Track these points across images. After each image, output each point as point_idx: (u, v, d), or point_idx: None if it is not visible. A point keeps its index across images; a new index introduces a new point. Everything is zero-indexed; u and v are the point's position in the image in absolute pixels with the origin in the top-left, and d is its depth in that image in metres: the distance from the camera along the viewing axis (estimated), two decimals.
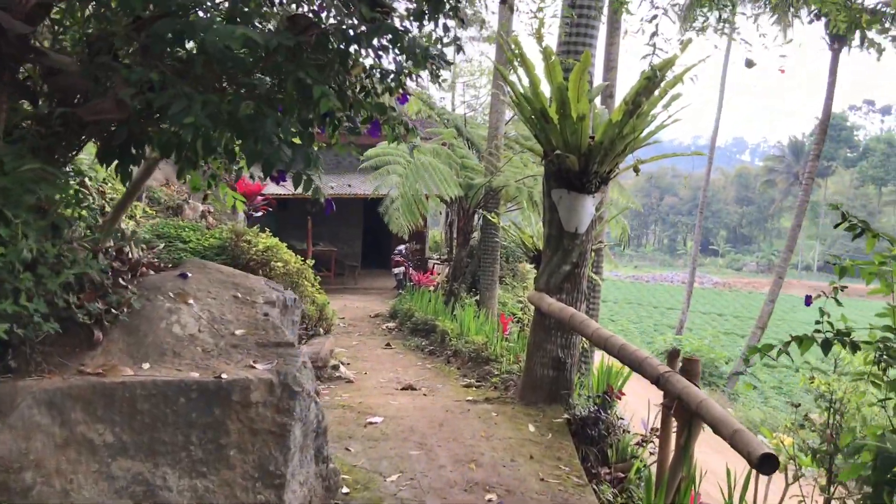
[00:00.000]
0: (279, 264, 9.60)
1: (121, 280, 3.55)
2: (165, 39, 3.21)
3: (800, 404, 8.67)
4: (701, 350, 31.10)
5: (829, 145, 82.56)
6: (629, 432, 6.55)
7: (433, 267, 22.93)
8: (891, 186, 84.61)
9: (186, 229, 12.28)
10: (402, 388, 8.35)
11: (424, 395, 8.02)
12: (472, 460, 5.54)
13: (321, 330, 9.15)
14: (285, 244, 11.03)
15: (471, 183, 14.27)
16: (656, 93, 6.60)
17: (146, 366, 3.14)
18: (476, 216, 14.79)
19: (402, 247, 19.26)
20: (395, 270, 18.96)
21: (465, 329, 11.04)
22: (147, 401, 2.90)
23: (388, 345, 12.03)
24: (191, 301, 3.64)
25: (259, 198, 12.00)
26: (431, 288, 16.43)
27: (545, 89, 6.63)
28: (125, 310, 3.37)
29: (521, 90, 6.82)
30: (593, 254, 7.66)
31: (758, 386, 36.78)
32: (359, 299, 19.39)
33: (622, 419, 6.56)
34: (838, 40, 26.13)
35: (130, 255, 3.96)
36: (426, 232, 25.91)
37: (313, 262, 21.28)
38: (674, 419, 4.48)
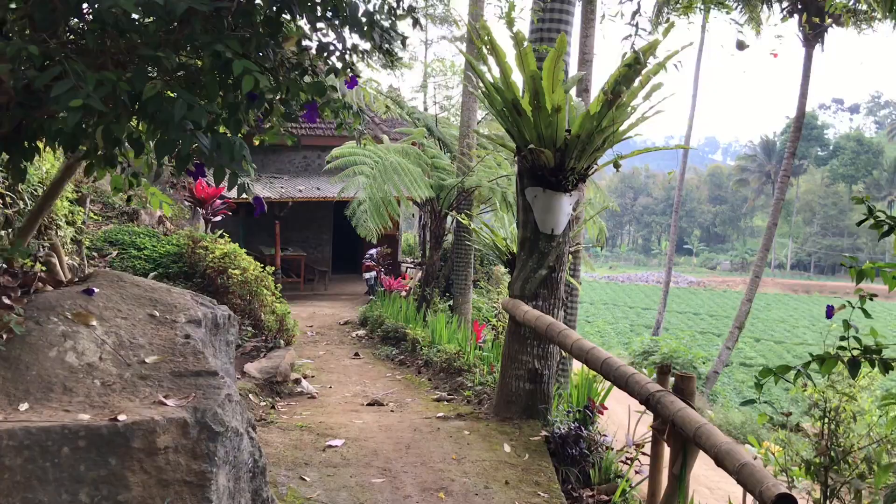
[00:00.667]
0: (236, 272, 8.98)
1: (3, 299, 2.93)
2: (50, 6, 2.63)
3: (791, 413, 8.21)
4: (678, 350, 30.78)
5: (801, 144, 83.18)
6: (613, 449, 6.03)
7: (406, 271, 22.34)
8: (860, 184, 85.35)
9: (142, 235, 11.62)
10: (368, 404, 7.76)
11: (392, 411, 7.44)
12: (442, 488, 4.98)
13: (281, 342, 8.53)
14: (244, 251, 10.41)
15: (442, 184, 13.73)
16: (637, 81, 6.09)
17: (24, 406, 2.54)
18: (449, 218, 14.24)
19: (373, 251, 18.64)
20: (366, 275, 18.35)
21: (437, 337, 10.47)
22: (17, 454, 2.31)
23: (356, 354, 11.42)
24: (94, 323, 3.03)
25: (218, 201, 11.36)
26: (403, 293, 15.85)
27: (517, 79, 6.10)
28: (2, 336, 2.76)
29: (492, 80, 6.28)
30: (571, 256, 7.13)
31: (736, 386, 36.64)
32: (329, 306, 18.76)
33: (605, 435, 6.03)
34: (812, 36, 25.92)
35: (26, 269, 3.33)
36: (399, 235, 25.33)
37: (277, 269, 20.73)
38: (666, 443, 3.96)
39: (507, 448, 5.79)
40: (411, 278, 18.67)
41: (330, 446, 5.67)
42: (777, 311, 61.55)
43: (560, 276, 6.66)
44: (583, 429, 5.90)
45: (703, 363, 33.86)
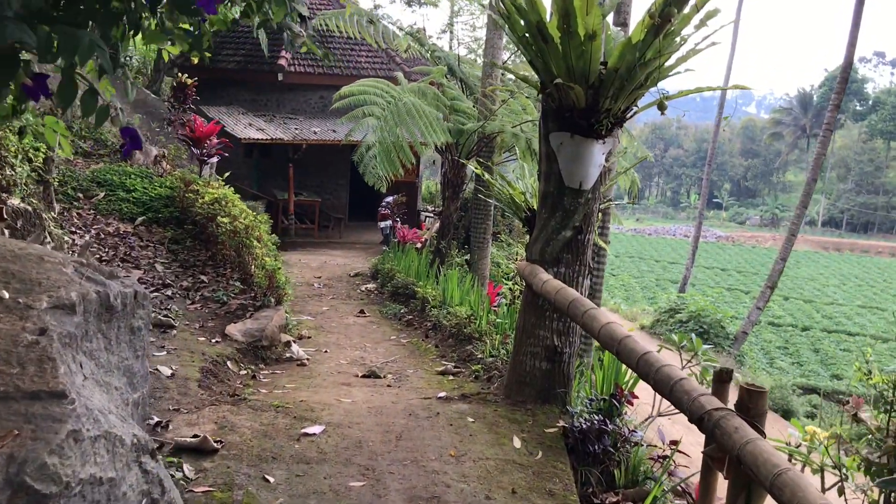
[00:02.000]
0: (225, 220, 8.06)
1: None
2: None
3: (847, 401, 7.17)
4: (706, 309, 29.67)
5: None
6: (643, 445, 5.08)
7: (424, 220, 21.35)
8: None
9: (133, 176, 10.72)
10: (363, 376, 6.86)
11: (388, 385, 6.54)
12: (434, 497, 4.08)
13: (272, 300, 7.63)
14: (236, 195, 9.48)
15: (461, 128, 12.63)
16: (689, 5, 4.96)
17: None
18: (470, 166, 13.17)
19: (389, 198, 17.65)
20: (381, 224, 17.40)
21: (448, 296, 9.53)
22: None
23: (361, 311, 10.53)
24: None
25: (214, 140, 10.38)
26: (419, 245, 14.90)
27: None
28: None
29: (513, 2, 5.18)
30: (600, 215, 6.09)
31: (763, 346, 35.56)
32: (342, 255, 17.88)
33: (634, 430, 5.07)
34: None
35: None
36: (419, 182, 24.30)
37: (290, 214, 19.83)
38: (718, 470, 2.99)
39: (516, 442, 4.86)
40: (428, 229, 17.70)
41: (306, 434, 4.78)
42: (807, 268, 59.93)
43: (587, 239, 5.64)
44: (608, 422, 4.95)
45: (731, 321, 32.77)
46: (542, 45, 5.07)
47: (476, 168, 5.95)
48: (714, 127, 41.87)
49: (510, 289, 9.46)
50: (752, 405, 2.80)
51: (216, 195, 8.67)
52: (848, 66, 25.51)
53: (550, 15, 5.08)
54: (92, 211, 9.68)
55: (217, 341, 6.77)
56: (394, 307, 10.63)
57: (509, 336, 7.02)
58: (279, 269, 7.48)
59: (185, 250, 9.15)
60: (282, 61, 20.73)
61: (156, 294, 7.61)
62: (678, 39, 5.12)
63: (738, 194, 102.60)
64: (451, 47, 31.39)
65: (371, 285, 12.95)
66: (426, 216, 22.31)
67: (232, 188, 9.91)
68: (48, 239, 6.45)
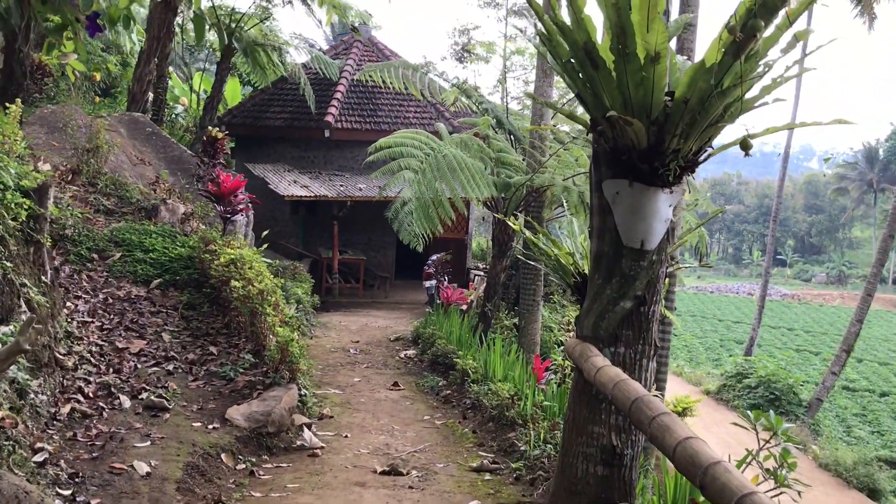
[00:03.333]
0: (238, 284, 7.17)
1: None
2: None
3: None
4: (777, 374, 27.72)
5: None
6: None
7: (473, 279, 20.33)
8: None
9: (154, 235, 9.98)
10: (383, 472, 5.79)
11: (410, 487, 5.45)
12: None
13: (285, 375, 6.66)
14: (257, 255, 8.63)
15: (508, 182, 11.68)
16: (778, 17, 3.93)
17: None
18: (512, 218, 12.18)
19: (435, 256, 16.71)
20: (427, 284, 16.42)
21: (490, 369, 8.44)
22: None
23: (395, 384, 9.49)
24: None
25: (240, 195, 9.62)
26: (464, 306, 13.86)
27: (594, 13, 4.02)
28: None
29: (554, 20, 4.22)
30: (666, 280, 4.97)
31: (838, 413, 33.19)
32: (385, 316, 16.95)
33: None
34: None
35: None
36: (468, 239, 23.36)
37: (334, 273, 19.04)
38: None
39: None
40: (475, 289, 16.67)
41: None
42: (880, 328, 56.74)
43: (652, 311, 4.54)
44: None
45: (803, 386, 30.63)
46: (592, 71, 4.08)
47: (515, 224, 4.98)
48: (778, 182, 40.14)
49: (560, 364, 8.33)
50: None
51: (233, 255, 7.83)
52: None
53: (601, 34, 4.11)
54: (105, 273, 8.94)
55: (214, 427, 5.81)
56: (432, 379, 9.57)
57: (559, 424, 5.89)
58: (293, 340, 6.52)
59: (199, 317, 8.29)
60: (328, 117, 20.26)
61: (155, 369, 6.72)
62: (762, 64, 4.09)
63: (802, 251, 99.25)
64: (505, 103, 30.75)
65: (411, 351, 11.92)
66: (475, 274, 21.30)
67: (254, 248, 9.08)
68: (24, 309, 5.63)
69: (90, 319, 7.50)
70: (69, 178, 11.18)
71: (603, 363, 4.09)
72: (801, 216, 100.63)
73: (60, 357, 6.25)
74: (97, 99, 19.80)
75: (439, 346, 10.57)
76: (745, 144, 3.98)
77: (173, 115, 23.18)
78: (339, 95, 21.25)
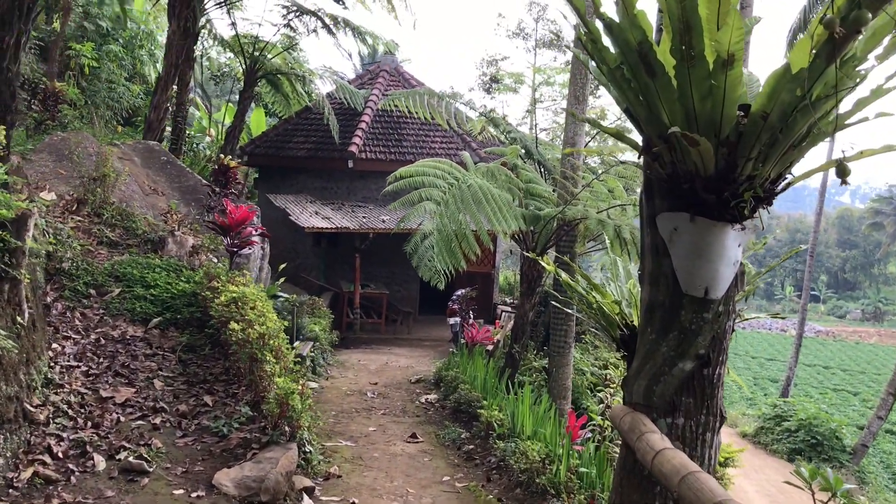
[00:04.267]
0: (236, 326, 6.43)
1: None
2: None
3: None
4: (818, 417, 26.34)
5: None
6: None
7: (500, 315, 19.48)
8: None
9: (157, 269, 9.32)
10: None
11: None
12: None
13: (285, 430, 5.87)
14: (262, 294, 7.92)
15: (537, 214, 10.89)
16: (885, 13, 3.14)
17: None
18: (545, 257, 11.36)
19: (460, 291, 15.90)
20: (451, 321, 15.59)
21: (518, 423, 7.59)
22: None
23: (413, 436, 8.65)
24: None
25: (249, 229, 8.92)
26: (489, 346, 13.02)
27: (648, 8, 3.26)
28: None
29: (601, 18, 3.47)
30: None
31: (883, 458, 31.57)
32: (407, 354, 16.14)
33: None
34: None
35: None
36: (495, 273, 22.53)
37: (356, 308, 18.30)
38: None
39: None
40: (502, 326, 15.81)
41: None
42: None
43: (718, 374, 3.73)
44: None
45: (844, 428, 29.13)
46: (647, 79, 3.31)
47: (549, 265, 4.19)
48: (815, 215, 38.89)
49: (600, 423, 7.36)
50: None
51: (234, 294, 7.11)
52: None
53: (659, 34, 3.35)
54: (101, 311, 8.26)
55: (199, 496, 5.03)
56: (454, 430, 8.73)
57: (598, 499, 5.01)
58: (293, 392, 5.74)
59: (198, 360, 7.56)
60: (352, 148, 19.70)
61: (140, 423, 5.98)
62: (862, 68, 3.29)
63: (835, 286, 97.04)
64: (535, 135, 30.02)
65: (432, 396, 11.09)
66: (502, 310, 20.45)
67: (260, 285, 8.36)
68: None
69: (76, 364, 6.79)
70: (74, 208, 10.60)
71: (662, 444, 3.25)
72: (834, 251, 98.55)
73: (31, 410, 5.53)
74: (119, 128, 19.42)
75: (463, 391, 9.74)
76: (842, 170, 3.16)
77: (195, 145, 22.75)
78: (363, 125, 20.70)
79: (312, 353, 12.63)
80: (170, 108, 16.04)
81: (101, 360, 7.06)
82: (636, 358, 3.93)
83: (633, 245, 10.25)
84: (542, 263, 4.69)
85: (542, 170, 12.94)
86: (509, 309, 21.49)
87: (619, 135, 3.67)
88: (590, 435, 7.25)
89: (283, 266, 16.62)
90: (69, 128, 14.32)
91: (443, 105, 15.33)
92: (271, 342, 6.36)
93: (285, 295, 14.58)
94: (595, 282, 4.12)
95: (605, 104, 25.52)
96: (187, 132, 24.97)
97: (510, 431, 7.56)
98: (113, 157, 11.48)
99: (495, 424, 7.83)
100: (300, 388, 6.18)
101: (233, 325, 6.47)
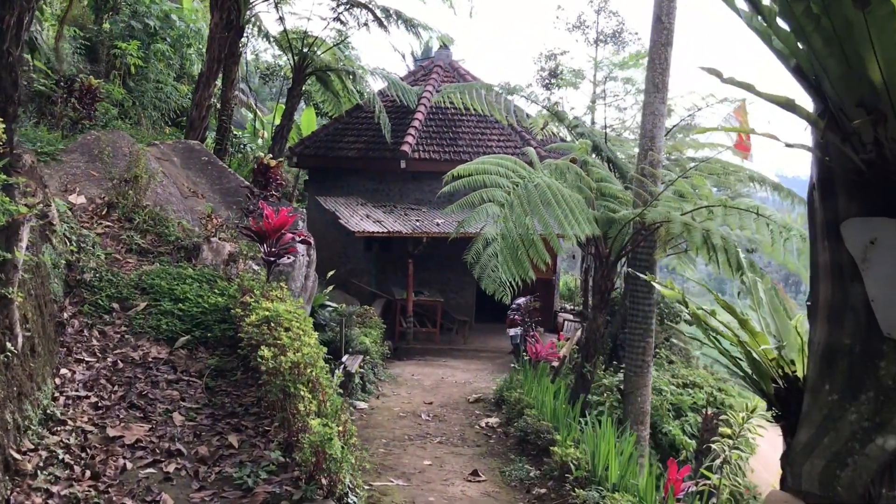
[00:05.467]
0: (267, 353, 5.40)
1: None
2: None
3: None
4: None
5: None
6: None
7: (563, 325, 18.23)
8: None
9: (189, 281, 8.38)
10: None
11: None
12: None
13: (322, 483, 4.80)
14: (300, 311, 6.91)
15: (611, 217, 9.69)
16: None
17: None
18: (619, 265, 10.14)
19: (520, 300, 14.65)
20: (511, 332, 14.43)
21: (599, 464, 6.41)
22: None
23: (475, 473, 7.53)
24: None
25: (288, 235, 7.92)
26: (555, 362, 11.82)
27: None
28: None
29: None
30: None
31: None
32: (464, 367, 15.03)
33: None
34: None
35: None
36: (555, 279, 21.28)
37: (409, 316, 17.26)
38: None
39: None
40: (567, 339, 14.58)
41: None
42: None
43: None
44: None
45: None
46: (852, 11, 2.13)
47: (672, 291, 3.09)
48: None
49: (708, 479, 6.10)
50: None
51: (267, 312, 6.10)
52: None
53: None
54: (123, 328, 7.36)
55: None
56: (520, 466, 7.59)
57: None
58: (331, 438, 4.68)
59: (227, 387, 6.58)
60: (405, 147, 18.68)
61: (150, 471, 4.99)
62: None
63: None
64: (596, 127, 28.61)
65: (493, 419, 9.98)
66: (564, 319, 19.20)
67: (299, 300, 7.35)
68: None
69: (85, 394, 5.86)
70: (104, 212, 9.78)
71: None
72: None
73: (16, 458, 4.57)
74: (166, 129, 18.79)
75: (529, 418, 8.60)
76: None
77: (243, 146, 22.03)
78: (416, 124, 19.68)
79: (362, 370, 11.61)
80: (214, 106, 15.23)
81: (116, 387, 6.11)
82: (804, 425, 2.76)
83: (719, 251, 8.97)
84: (656, 286, 3.54)
85: (613, 169, 11.70)
86: (571, 317, 20.20)
87: (786, 103, 2.51)
88: (693, 488, 6.01)
89: (330, 273, 15.72)
90: (109, 127, 13.61)
91: (501, 100, 14.21)
92: (308, 372, 5.31)
93: (333, 305, 13.61)
94: (742, 315, 2.93)
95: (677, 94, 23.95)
96: (238, 134, 24.36)
97: (590, 475, 6.40)
98: (147, 157, 10.64)
99: (571, 465, 6.66)
100: (341, 427, 5.12)
101: (263, 350, 5.45)
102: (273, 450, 5.27)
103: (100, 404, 5.75)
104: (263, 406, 6.13)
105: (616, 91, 27.58)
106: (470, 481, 7.32)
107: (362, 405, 10.61)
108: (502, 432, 9.35)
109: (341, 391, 10.52)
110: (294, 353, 5.34)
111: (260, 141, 24.88)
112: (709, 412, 7.66)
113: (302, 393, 5.05)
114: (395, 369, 14.14)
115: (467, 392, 12.11)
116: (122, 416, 5.64)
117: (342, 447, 4.91)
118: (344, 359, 11.41)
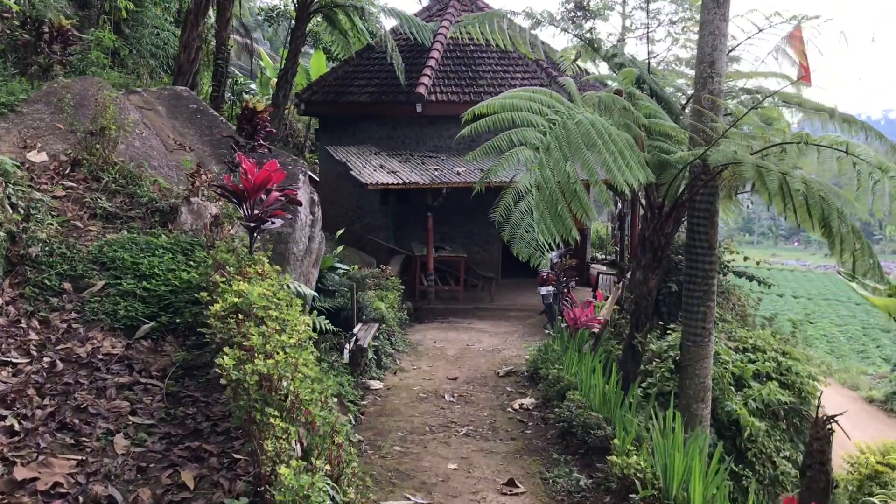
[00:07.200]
0: (229, 360, 3.95)
1: None
2: None
3: None
4: None
5: None
6: None
7: (597, 278, 16.69)
8: None
9: (159, 251, 6.91)
10: None
11: None
12: None
13: None
14: (289, 292, 5.45)
15: (665, 159, 8.08)
16: None
17: None
18: (673, 217, 8.54)
19: (552, 254, 13.03)
20: (542, 290, 12.92)
21: (672, 480, 4.95)
22: None
23: (511, 482, 6.11)
24: None
25: (274, 194, 6.41)
26: (595, 328, 10.33)
27: None
28: None
29: None
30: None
31: None
32: (491, 330, 13.62)
33: None
34: None
35: None
36: (587, 228, 19.61)
37: (430, 273, 15.79)
38: None
39: None
40: (606, 297, 13.06)
41: None
42: None
43: None
44: None
45: None
46: None
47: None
48: None
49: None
50: None
51: (236, 300, 4.65)
52: None
53: None
54: (74, 314, 5.96)
55: None
56: (567, 472, 6.16)
57: None
58: (308, 497, 3.23)
59: (195, 392, 5.17)
60: (420, 89, 17.01)
61: None
62: None
63: None
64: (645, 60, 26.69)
65: (528, 400, 8.58)
66: (598, 271, 17.63)
67: (286, 275, 5.85)
68: None
69: (1, 413, 4.46)
70: (67, 171, 8.34)
71: None
72: None
73: None
74: (164, 78, 17.25)
75: (572, 404, 7.14)
76: None
77: (245, 93, 20.44)
78: (432, 63, 17.95)
79: (376, 342, 10.21)
80: (208, 48, 13.64)
81: (47, 400, 4.73)
82: None
83: (796, 194, 7.32)
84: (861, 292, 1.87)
85: (660, 103, 10.00)
86: (605, 269, 18.66)
87: None
88: None
89: (340, 232, 14.24)
90: (88, 75, 12.10)
91: (526, 32, 12.46)
92: (285, 386, 3.88)
93: (344, 267, 12.16)
94: None
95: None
96: (241, 80, 22.73)
97: (662, 495, 4.97)
98: (119, 105, 9.14)
99: (635, 479, 5.22)
100: (332, 460, 3.69)
101: (224, 355, 4.01)
102: (239, 494, 3.85)
103: (17, 428, 4.35)
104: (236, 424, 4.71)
105: (648, 22, 25.54)
106: (505, 494, 5.91)
107: (377, 385, 9.23)
108: (540, 417, 7.94)
109: (349, 372, 9.15)
110: (264, 361, 3.88)
111: (271, 91, 23.32)
112: (819, 415, 6.16)
113: (272, 420, 3.60)
114: (415, 335, 12.76)
115: (496, 363, 10.71)
116: (43, 446, 4.25)
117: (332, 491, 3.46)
118: (356, 329, 10.02)
